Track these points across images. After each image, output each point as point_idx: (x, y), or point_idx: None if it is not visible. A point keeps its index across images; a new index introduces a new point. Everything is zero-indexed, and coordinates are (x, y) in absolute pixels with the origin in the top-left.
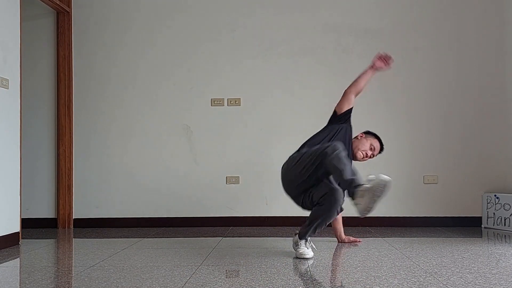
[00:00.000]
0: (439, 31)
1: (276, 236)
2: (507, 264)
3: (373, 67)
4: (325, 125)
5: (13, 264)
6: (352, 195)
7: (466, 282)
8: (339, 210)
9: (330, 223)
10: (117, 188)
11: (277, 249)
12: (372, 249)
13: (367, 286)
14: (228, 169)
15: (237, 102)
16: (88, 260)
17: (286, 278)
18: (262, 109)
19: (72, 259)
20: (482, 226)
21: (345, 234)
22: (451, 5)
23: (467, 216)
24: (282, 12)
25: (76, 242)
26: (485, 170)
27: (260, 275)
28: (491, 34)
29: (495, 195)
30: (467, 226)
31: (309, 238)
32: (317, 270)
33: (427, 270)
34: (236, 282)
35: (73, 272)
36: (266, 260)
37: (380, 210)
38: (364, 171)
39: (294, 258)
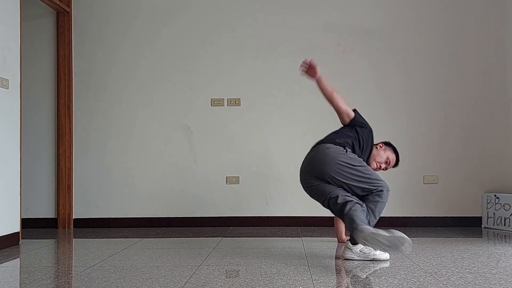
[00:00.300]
0: (439, 31)
1: (276, 236)
2: (507, 264)
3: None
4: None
5: (13, 264)
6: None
7: (466, 282)
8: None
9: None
10: (117, 188)
11: (277, 249)
12: None
13: (367, 286)
14: (228, 169)
15: (237, 102)
16: (88, 260)
17: (286, 278)
18: (262, 109)
19: (72, 259)
20: (482, 226)
21: (345, 235)
22: (451, 5)
23: (467, 216)
24: (282, 12)
25: (76, 242)
26: (485, 170)
27: (260, 275)
28: (491, 34)
29: (495, 195)
30: (467, 226)
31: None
32: (317, 270)
33: (427, 270)
34: (236, 282)
35: (73, 272)
36: (266, 260)
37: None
38: None
39: (294, 258)
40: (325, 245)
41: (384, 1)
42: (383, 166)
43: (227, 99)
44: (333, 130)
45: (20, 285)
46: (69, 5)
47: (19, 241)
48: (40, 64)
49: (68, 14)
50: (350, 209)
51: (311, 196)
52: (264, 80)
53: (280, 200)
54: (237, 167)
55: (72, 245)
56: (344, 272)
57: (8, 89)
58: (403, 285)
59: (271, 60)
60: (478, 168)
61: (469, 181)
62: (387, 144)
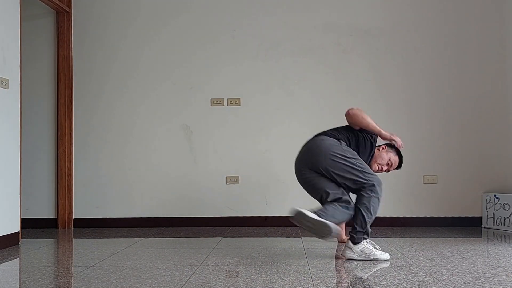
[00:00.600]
0: (439, 31)
1: (276, 236)
2: (507, 264)
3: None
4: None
5: (13, 264)
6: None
7: (466, 282)
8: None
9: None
10: (117, 188)
11: (277, 249)
12: None
13: (367, 286)
14: (228, 169)
15: (237, 102)
16: (87, 260)
17: (286, 278)
18: (262, 109)
19: (72, 259)
20: (482, 226)
21: (345, 235)
22: (451, 5)
23: (467, 216)
24: (282, 12)
25: (76, 242)
26: (485, 170)
27: (260, 275)
28: (492, 34)
29: (495, 195)
30: (466, 226)
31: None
32: (317, 270)
33: (427, 270)
34: (236, 282)
35: (72, 272)
36: (266, 260)
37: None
38: None
39: (294, 258)
40: (325, 245)
41: (384, 1)
42: (385, 168)
43: (227, 99)
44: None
45: (20, 285)
46: (69, 5)
47: (19, 241)
48: (40, 64)
49: (68, 14)
50: (332, 202)
51: (304, 189)
52: (264, 80)
53: (280, 200)
54: (237, 167)
55: (72, 245)
56: (344, 272)
57: (8, 89)
58: (403, 285)
59: (271, 60)
60: (478, 168)
61: (469, 181)
62: (390, 146)
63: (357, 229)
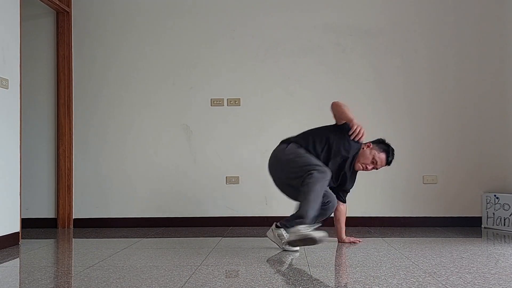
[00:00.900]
0: (439, 31)
1: None
2: (506, 264)
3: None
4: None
5: (13, 264)
6: (287, 226)
7: (465, 282)
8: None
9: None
10: (117, 188)
11: (277, 249)
12: (372, 249)
13: (367, 286)
14: (228, 169)
15: (237, 102)
16: (87, 260)
17: (286, 278)
18: (262, 109)
19: (71, 259)
20: (482, 226)
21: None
22: (451, 6)
23: (467, 216)
24: (282, 12)
25: (76, 242)
26: (484, 170)
27: (260, 275)
28: (491, 34)
29: (494, 195)
30: (466, 226)
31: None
32: (317, 270)
33: (426, 270)
34: (236, 282)
35: (72, 272)
36: (266, 260)
37: (379, 210)
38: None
39: (293, 258)
40: (325, 245)
41: (384, 1)
42: (369, 167)
43: (227, 99)
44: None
45: (19, 285)
46: (69, 5)
47: (19, 241)
48: (40, 64)
49: (68, 14)
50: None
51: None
52: (264, 80)
53: (280, 200)
54: (237, 167)
55: (71, 245)
56: (344, 272)
57: (8, 89)
58: (403, 285)
59: (271, 60)
60: (478, 168)
61: (468, 181)
62: (378, 142)
63: (289, 217)
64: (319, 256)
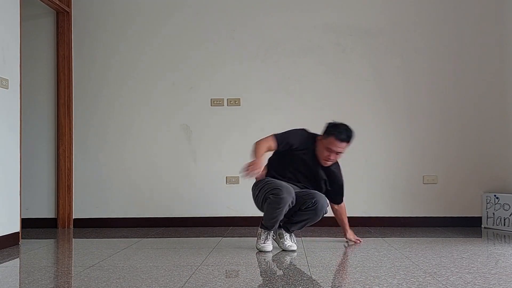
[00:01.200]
0: (439, 31)
1: None
2: (507, 264)
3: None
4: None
5: (13, 264)
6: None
7: (465, 282)
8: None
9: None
10: (117, 188)
11: (277, 249)
12: (372, 249)
13: (367, 286)
14: (228, 169)
15: (237, 102)
16: (87, 260)
17: (286, 278)
18: (261, 109)
19: (71, 259)
20: (482, 226)
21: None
22: (451, 6)
23: (467, 216)
24: (282, 12)
25: (75, 242)
26: (484, 170)
27: (260, 275)
28: (491, 34)
29: (494, 195)
30: (466, 226)
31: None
32: (317, 270)
33: (426, 270)
34: (236, 282)
35: (72, 272)
36: (266, 260)
37: (379, 210)
38: (364, 173)
39: (294, 258)
40: (325, 245)
41: (384, 1)
42: (332, 157)
43: (227, 99)
44: None
45: (19, 285)
46: (69, 5)
47: (19, 241)
48: (40, 64)
49: (68, 14)
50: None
51: None
52: (264, 80)
53: None
54: (237, 167)
55: (71, 245)
56: (344, 272)
57: (8, 89)
58: (403, 285)
59: (271, 60)
60: (478, 168)
61: (468, 181)
62: (325, 129)
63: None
64: (319, 256)
